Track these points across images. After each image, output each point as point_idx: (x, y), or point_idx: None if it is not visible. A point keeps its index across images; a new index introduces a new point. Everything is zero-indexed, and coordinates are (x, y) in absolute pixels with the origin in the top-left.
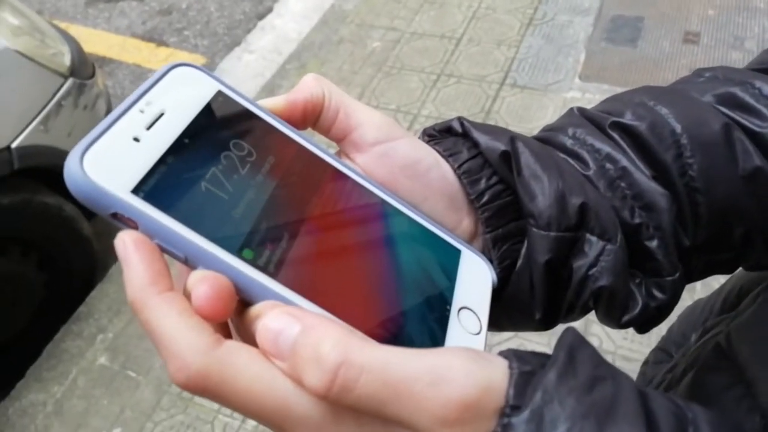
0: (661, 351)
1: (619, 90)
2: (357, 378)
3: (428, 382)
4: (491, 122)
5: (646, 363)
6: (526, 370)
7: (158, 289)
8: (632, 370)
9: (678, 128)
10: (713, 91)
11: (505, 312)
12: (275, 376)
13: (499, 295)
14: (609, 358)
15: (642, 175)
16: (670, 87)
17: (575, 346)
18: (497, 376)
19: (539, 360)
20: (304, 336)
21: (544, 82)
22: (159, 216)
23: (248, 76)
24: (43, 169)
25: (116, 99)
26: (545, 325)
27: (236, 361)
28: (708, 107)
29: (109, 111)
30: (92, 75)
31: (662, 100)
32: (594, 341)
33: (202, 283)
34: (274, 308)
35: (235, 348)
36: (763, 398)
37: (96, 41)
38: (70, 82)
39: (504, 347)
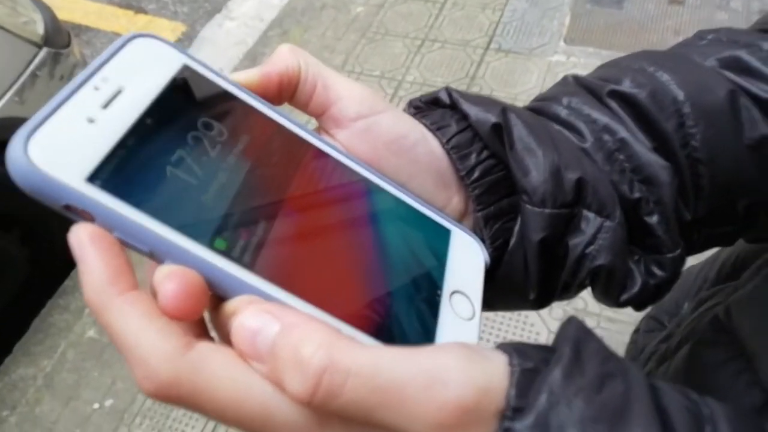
0: (653, 319)
1: (604, 53)
2: (343, 383)
3: (422, 386)
4: (476, 87)
5: (637, 331)
6: (528, 367)
7: (119, 289)
8: (618, 331)
9: (680, 96)
10: (717, 55)
11: (497, 293)
12: (253, 381)
13: (491, 275)
14: (593, 321)
15: (642, 147)
16: (671, 51)
17: (581, 340)
18: (497, 374)
19: (542, 355)
20: (284, 336)
21: (529, 45)
22: (118, 206)
23: (230, 43)
24: None
25: None
26: (539, 304)
27: (209, 366)
28: (712, 72)
29: None
30: (68, 44)
31: (663, 65)
32: (578, 303)
33: (168, 280)
34: (251, 304)
35: (207, 351)
36: (763, 373)
37: (72, 8)
38: (44, 51)
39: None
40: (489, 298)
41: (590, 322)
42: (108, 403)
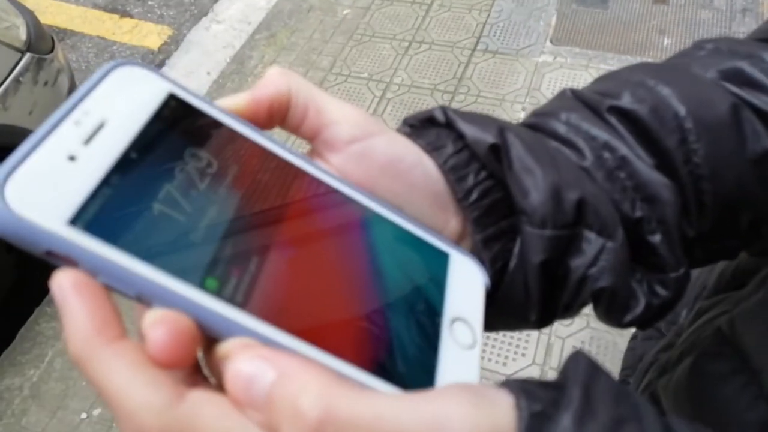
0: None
1: (591, 53)
2: None
3: None
4: (464, 88)
5: (634, 338)
6: (537, 410)
7: (105, 340)
8: (606, 330)
9: (682, 111)
10: (718, 66)
11: (498, 314)
12: (247, 431)
13: (491, 297)
14: (583, 320)
15: (643, 165)
16: (670, 63)
17: (591, 379)
18: (503, 420)
19: (550, 395)
20: (281, 385)
21: (516, 46)
22: (102, 250)
23: (217, 47)
24: (3, 149)
25: (80, 73)
26: (540, 324)
27: (201, 419)
28: (713, 85)
29: (72, 87)
30: (52, 49)
31: (663, 78)
32: None
33: (157, 327)
34: (245, 348)
35: (198, 402)
36: None
37: (55, 12)
38: (27, 57)
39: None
40: (489, 320)
41: (579, 322)
42: (96, 412)
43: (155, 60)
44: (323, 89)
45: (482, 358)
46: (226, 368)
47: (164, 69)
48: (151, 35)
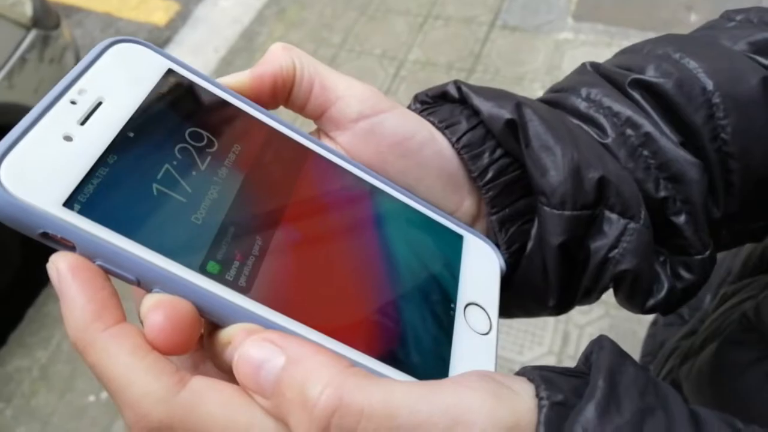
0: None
1: (614, 30)
2: (355, 426)
3: (443, 429)
4: (481, 66)
5: (654, 324)
6: (558, 400)
7: (104, 325)
8: (626, 318)
9: (709, 85)
10: (747, 38)
11: (515, 299)
12: (252, 421)
13: (508, 281)
14: (602, 308)
15: (668, 142)
16: (697, 34)
17: (615, 369)
18: (524, 410)
19: (571, 384)
20: (290, 372)
21: (536, 22)
22: (100, 232)
23: (225, 23)
24: (9, 127)
25: (86, 50)
26: (559, 310)
27: (203, 406)
28: (743, 58)
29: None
30: (57, 25)
31: (689, 51)
32: None
33: (155, 312)
34: (251, 333)
35: (201, 388)
36: None
37: None
38: (33, 33)
39: None
40: (506, 306)
41: (598, 310)
42: (104, 395)
43: (162, 36)
44: (334, 67)
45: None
46: (228, 354)
47: (171, 46)
48: (157, 11)
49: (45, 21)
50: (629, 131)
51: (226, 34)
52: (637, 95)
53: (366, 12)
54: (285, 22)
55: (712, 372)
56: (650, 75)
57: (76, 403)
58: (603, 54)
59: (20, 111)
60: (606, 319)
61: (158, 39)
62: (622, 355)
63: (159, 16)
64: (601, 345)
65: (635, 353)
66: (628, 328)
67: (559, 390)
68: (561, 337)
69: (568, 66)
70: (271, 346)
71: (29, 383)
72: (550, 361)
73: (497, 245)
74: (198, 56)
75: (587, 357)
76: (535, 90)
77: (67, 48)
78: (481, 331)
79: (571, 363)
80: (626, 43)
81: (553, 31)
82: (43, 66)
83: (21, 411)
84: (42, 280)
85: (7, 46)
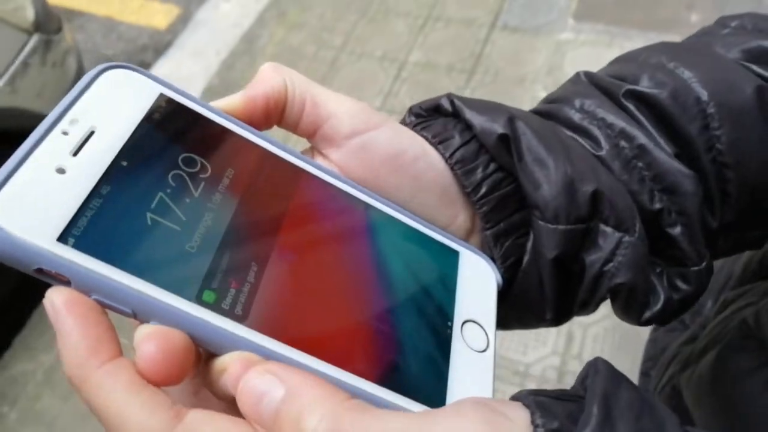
0: None
1: (615, 30)
2: None
3: None
4: (482, 67)
5: (656, 329)
6: (553, 427)
7: (99, 361)
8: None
9: (704, 95)
10: (742, 45)
11: (512, 313)
12: None
13: (504, 295)
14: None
15: (662, 153)
16: (691, 42)
17: (610, 393)
18: None
19: (567, 410)
20: (288, 404)
21: (537, 23)
22: (94, 266)
23: (226, 26)
24: (12, 132)
25: (88, 54)
26: (556, 322)
27: None
28: (737, 67)
29: (80, 68)
30: (59, 30)
31: (684, 60)
32: None
33: (146, 343)
34: (246, 361)
35: (197, 422)
36: None
37: None
38: (35, 38)
39: None
40: (503, 319)
41: (602, 310)
42: None
43: (163, 40)
44: (335, 69)
45: (501, 346)
46: (223, 382)
47: (172, 49)
48: (158, 15)
49: (47, 25)
50: (623, 143)
51: (226, 37)
52: (631, 106)
53: (366, 14)
54: (286, 25)
55: (713, 379)
56: (644, 85)
57: (81, 407)
58: (604, 54)
59: (23, 116)
60: (610, 319)
61: (159, 43)
62: (617, 378)
63: (159, 19)
64: (597, 369)
65: (638, 355)
66: (632, 329)
67: (554, 416)
68: (565, 338)
69: (569, 66)
70: (272, 377)
71: (34, 386)
72: (555, 361)
73: (493, 260)
74: (199, 59)
75: (583, 380)
76: (537, 91)
77: (69, 52)
78: (478, 349)
79: (575, 363)
80: (627, 44)
81: (553, 31)
82: (45, 70)
83: (26, 414)
84: (47, 283)
85: (9, 51)
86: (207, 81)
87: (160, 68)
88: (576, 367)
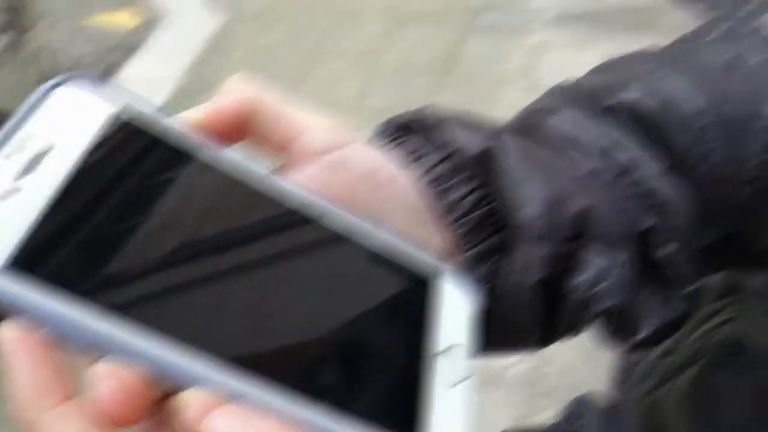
0: None
1: (593, 31)
2: None
3: None
4: (457, 68)
5: None
6: None
7: (50, 403)
8: None
9: (695, 104)
10: (727, 53)
11: (494, 339)
12: None
13: (486, 319)
14: None
15: (652, 169)
16: (679, 48)
17: None
18: None
19: None
20: None
21: (513, 24)
22: (43, 298)
23: (197, 26)
24: None
25: (61, 52)
26: (542, 344)
27: None
28: (725, 75)
29: (54, 65)
30: (31, 28)
31: (674, 66)
32: None
33: (101, 382)
34: (203, 399)
35: None
36: None
37: None
38: (7, 36)
39: None
40: (485, 345)
41: None
42: None
43: (132, 40)
44: (311, 68)
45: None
46: (180, 421)
47: (141, 50)
48: (127, 15)
49: (19, 24)
50: (610, 159)
51: (197, 38)
52: (617, 118)
53: (340, 14)
54: (257, 25)
55: (694, 396)
56: (631, 95)
57: None
58: (582, 56)
59: None
60: None
61: (128, 43)
62: (608, 421)
63: (128, 19)
64: (579, 412)
65: (611, 361)
66: None
67: None
68: None
69: (546, 68)
70: (234, 423)
71: None
72: (527, 365)
73: (472, 283)
74: (168, 60)
75: (569, 417)
76: (514, 90)
77: (41, 50)
78: (455, 382)
79: (547, 368)
80: (606, 45)
81: (530, 33)
82: (17, 68)
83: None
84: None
85: None
86: (177, 81)
87: (130, 69)
88: (550, 370)
